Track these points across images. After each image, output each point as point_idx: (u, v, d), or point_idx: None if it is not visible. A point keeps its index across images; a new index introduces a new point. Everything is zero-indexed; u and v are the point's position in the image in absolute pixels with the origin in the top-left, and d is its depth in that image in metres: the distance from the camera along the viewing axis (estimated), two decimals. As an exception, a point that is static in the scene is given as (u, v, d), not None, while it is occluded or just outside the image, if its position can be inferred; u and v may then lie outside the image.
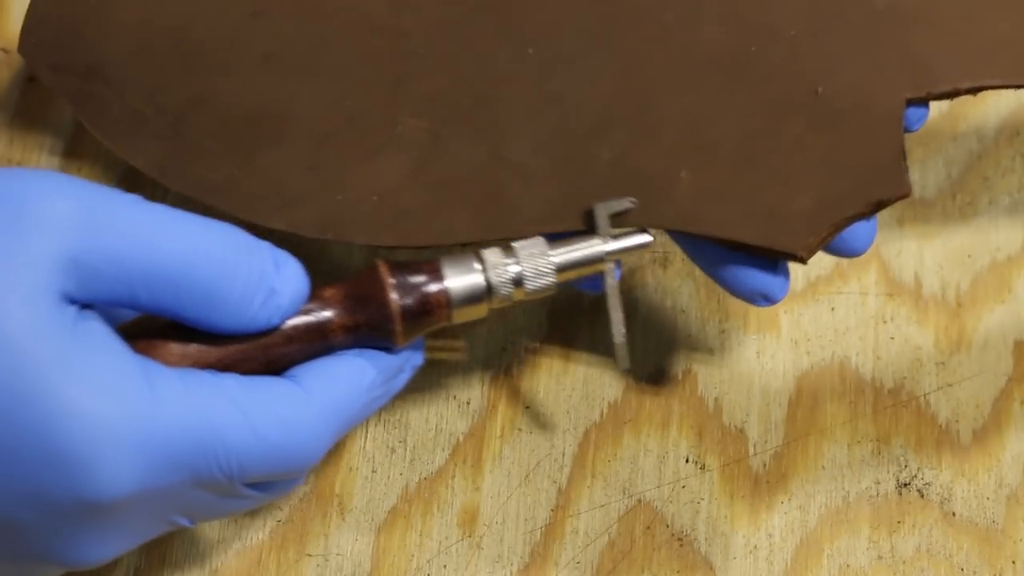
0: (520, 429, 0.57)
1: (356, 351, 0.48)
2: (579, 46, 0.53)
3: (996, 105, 0.63)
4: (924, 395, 0.58)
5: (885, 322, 0.59)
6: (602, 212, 0.51)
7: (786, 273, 0.52)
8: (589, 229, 0.51)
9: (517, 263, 0.49)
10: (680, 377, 0.58)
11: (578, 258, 0.50)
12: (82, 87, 0.54)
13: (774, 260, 0.52)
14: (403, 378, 0.49)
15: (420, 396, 0.58)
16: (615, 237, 0.51)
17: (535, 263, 0.50)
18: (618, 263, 0.51)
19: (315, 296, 0.48)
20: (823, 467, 0.56)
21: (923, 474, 0.56)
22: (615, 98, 0.53)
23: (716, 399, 0.58)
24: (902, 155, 0.52)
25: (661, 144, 0.52)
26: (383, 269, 0.48)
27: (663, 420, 0.57)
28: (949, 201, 0.61)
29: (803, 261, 0.52)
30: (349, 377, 0.48)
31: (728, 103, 0.53)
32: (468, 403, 0.58)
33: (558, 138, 0.53)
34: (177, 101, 0.53)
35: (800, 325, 0.59)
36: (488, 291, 0.49)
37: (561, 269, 0.50)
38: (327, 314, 0.48)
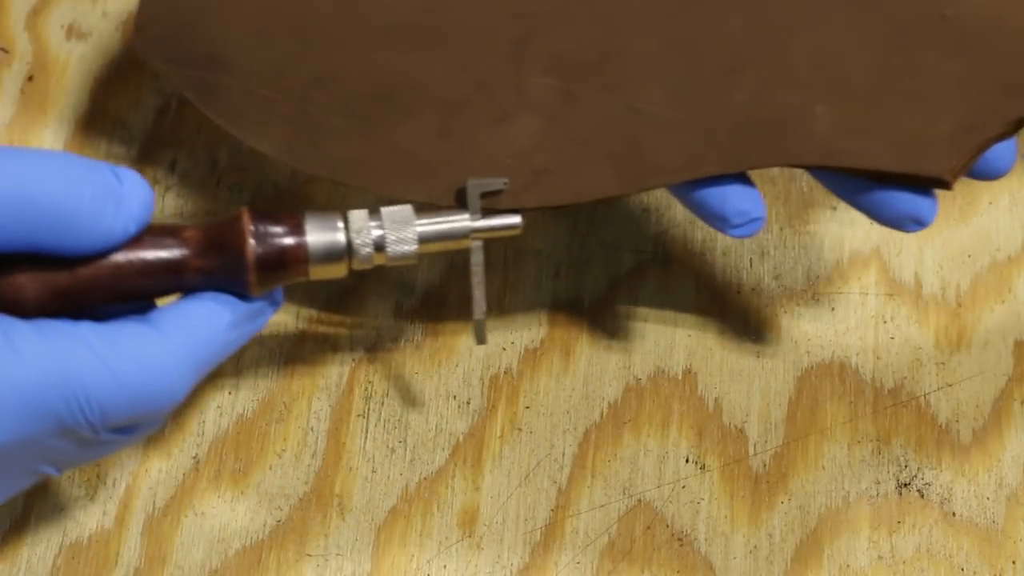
0: (520, 429, 0.57)
1: (212, 295, 0.48)
2: None
3: (996, 105, 0.63)
4: (924, 395, 0.58)
5: (885, 322, 0.59)
6: (474, 190, 0.51)
7: (933, 195, 0.52)
8: (460, 204, 0.51)
9: (381, 228, 0.50)
10: (680, 377, 0.58)
11: (443, 231, 0.51)
12: (202, 77, 0.54)
13: (919, 186, 0.52)
14: (260, 322, 0.50)
15: (420, 396, 0.58)
16: (484, 215, 0.51)
17: (399, 230, 0.50)
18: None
19: (176, 234, 0.48)
20: (823, 467, 0.56)
21: (923, 474, 0.56)
22: (744, 39, 0.53)
23: (716, 399, 0.58)
24: None
25: (794, 81, 0.52)
26: (245, 217, 0.48)
27: (663, 420, 0.57)
28: (949, 201, 0.61)
29: (948, 186, 0.51)
30: (204, 320, 0.48)
31: (857, 35, 0.53)
32: (468, 403, 0.58)
33: (690, 85, 0.53)
34: (301, 82, 0.53)
35: (800, 325, 0.59)
36: (348, 251, 0.49)
37: (424, 239, 0.50)
38: (184, 252, 0.48)
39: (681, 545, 0.55)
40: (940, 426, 0.57)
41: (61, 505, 0.56)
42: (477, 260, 0.52)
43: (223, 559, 0.55)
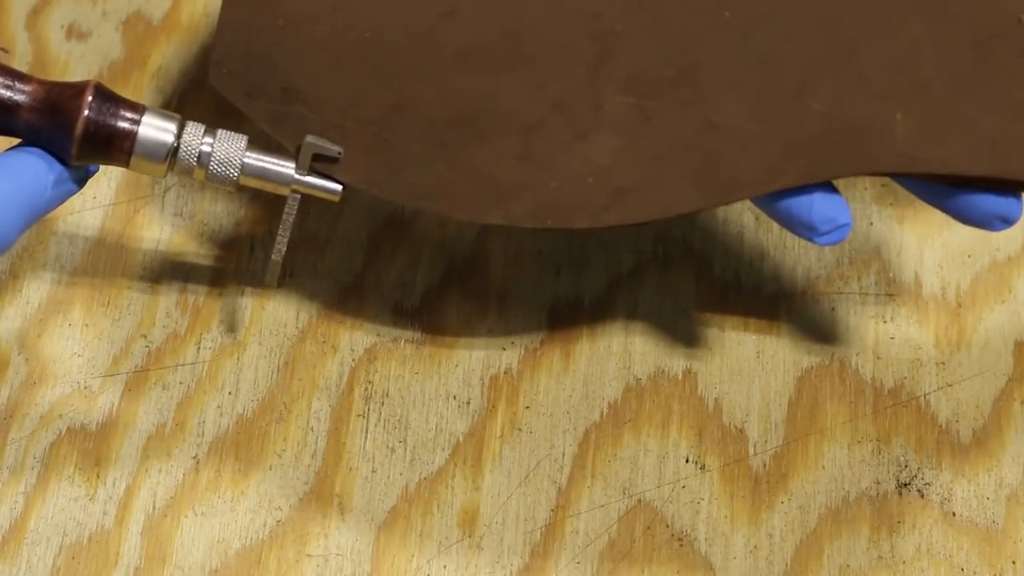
0: (520, 429, 0.57)
1: (39, 152, 0.52)
2: (775, 3, 0.54)
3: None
4: (924, 395, 0.58)
5: (885, 322, 0.59)
6: (308, 148, 0.53)
7: (1017, 194, 0.52)
8: (295, 155, 0.53)
9: (211, 145, 0.53)
10: (680, 377, 0.58)
11: (266, 170, 0.53)
12: (279, 109, 0.54)
13: (1002, 189, 0.52)
14: (74, 189, 0.53)
15: (420, 396, 0.58)
16: (310, 173, 0.53)
17: (227, 153, 0.53)
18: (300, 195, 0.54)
19: (21, 79, 0.51)
20: (823, 467, 0.56)
21: (923, 474, 0.56)
22: (819, 50, 0.53)
23: (716, 399, 0.58)
24: None
25: (872, 89, 0.53)
26: (90, 89, 0.51)
27: (663, 420, 0.57)
28: (949, 201, 0.61)
29: None
30: (32, 175, 0.51)
31: (931, 41, 0.53)
32: (468, 403, 0.58)
33: (767, 98, 0.53)
34: (377, 111, 0.54)
35: (800, 325, 0.59)
36: (172, 155, 0.52)
37: (247, 172, 0.53)
38: (21, 98, 0.51)
39: (681, 545, 0.55)
40: (940, 426, 0.57)
41: (61, 505, 0.56)
42: (290, 210, 0.54)
43: (223, 559, 0.55)
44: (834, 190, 0.53)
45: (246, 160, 0.53)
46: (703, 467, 0.56)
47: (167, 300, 0.60)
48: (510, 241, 0.60)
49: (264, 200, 0.61)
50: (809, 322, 0.59)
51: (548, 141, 0.53)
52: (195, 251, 0.61)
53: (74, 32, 0.65)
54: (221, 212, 0.61)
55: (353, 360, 0.58)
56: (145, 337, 0.59)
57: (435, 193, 0.53)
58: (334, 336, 0.59)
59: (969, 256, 0.60)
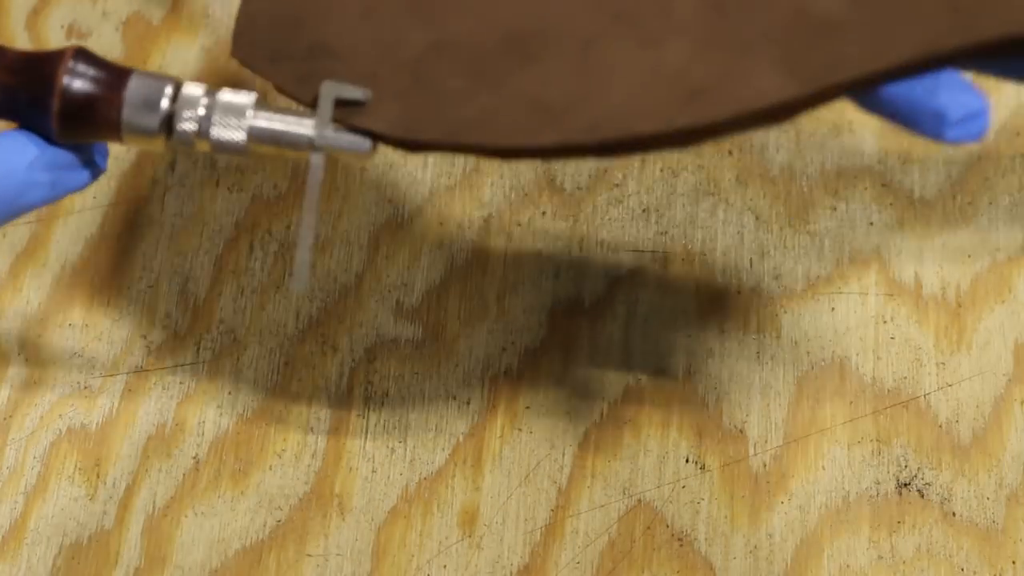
0: (520, 429, 0.57)
1: (20, 130, 0.46)
2: None
3: (996, 105, 0.63)
4: (924, 395, 0.58)
5: (885, 322, 0.59)
6: (328, 93, 0.47)
7: None
8: (312, 107, 0.47)
9: (210, 108, 0.46)
10: (680, 377, 0.58)
11: (278, 132, 0.46)
12: (306, 69, 0.50)
13: None
14: (76, 177, 0.47)
15: (420, 396, 0.58)
16: (334, 129, 0.47)
17: (231, 113, 0.46)
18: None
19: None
20: (823, 467, 0.56)
21: (923, 474, 0.56)
22: None
23: (716, 399, 0.58)
24: None
25: None
26: (69, 53, 0.46)
27: (663, 420, 0.57)
28: (949, 201, 0.61)
29: None
30: (7, 149, 0.46)
31: None
32: (468, 403, 0.58)
33: None
34: (414, 51, 0.49)
35: (800, 325, 0.59)
36: (168, 124, 0.46)
37: (257, 135, 0.46)
38: None
39: (681, 545, 0.55)
40: (940, 426, 0.57)
41: (61, 505, 0.56)
42: (314, 180, 0.46)
43: (223, 559, 0.55)
44: (959, 74, 0.44)
45: (255, 123, 0.46)
46: (703, 467, 0.56)
47: (167, 300, 0.60)
48: (510, 241, 0.61)
49: (265, 199, 0.61)
50: (809, 322, 0.59)
51: (609, 54, 0.47)
52: (195, 251, 0.61)
53: (74, 32, 0.65)
54: (221, 212, 0.61)
55: (353, 360, 0.58)
56: (145, 337, 0.59)
57: (478, 124, 0.48)
58: (334, 336, 0.59)
59: (969, 256, 0.60)
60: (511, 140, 0.47)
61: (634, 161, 0.62)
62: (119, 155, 0.62)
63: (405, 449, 0.57)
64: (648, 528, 0.55)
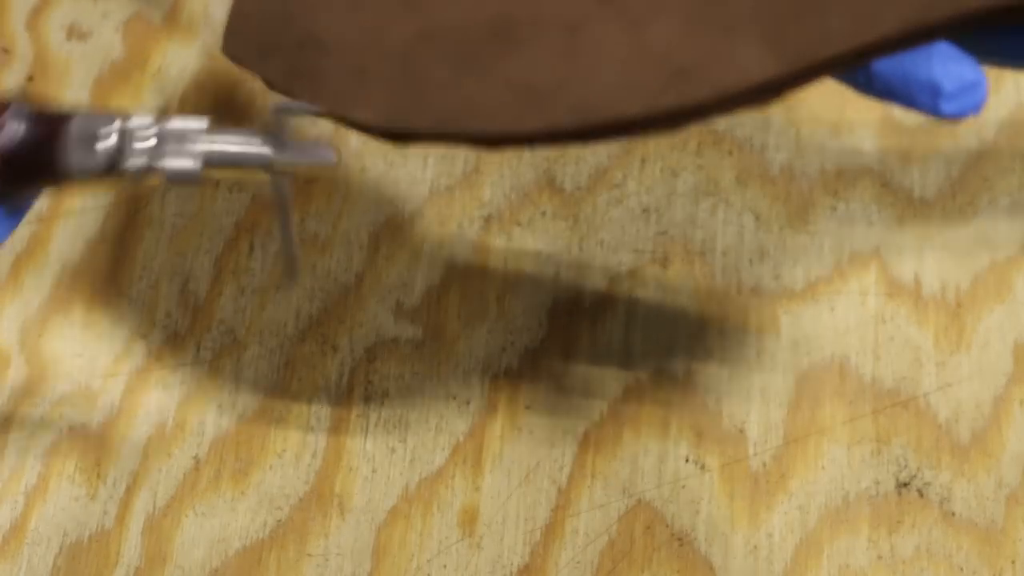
0: (520, 429, 0.57)
1: None
2: None
3: (996, 103, 0.63)
4: (924, 395, 0.58)
5: (885, 322, 0.59)
6: (281, 114, 0.45)
7: None
8: (271, 127, 0.45)
9: (161, 137, 0.43)
10: (680, 377, 0.58)
11: (235, 153, 0.44)
12: (294, 62, 0.50)
13: None
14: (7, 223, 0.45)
15: (420, 396, 0.58)
16: (292, 147, 0.45)
17: (181, 143, 0.43)
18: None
19: None
20: (823, 467, 0.56)
21: (923, 474, 0.56)
22: None
23: (716, 399, 0.58)
24: None
25: None
26: (5, 103, 0.43)
27: (663, 420, 0.57)
28: (949, 201, 0.61)
29: None
30: None
31: None
32: (468, 403, 0.58)
33: None
34: (402, 41, 0.49)
35: (800, 325, 0.59)
36: (115, 162, 0.43)
37: (214, 162, 0.44)
38: None
39: (681, 545, 0.55)
40: (940, 426, 0.57)
41: (61, 505, 0.56)
42: (280, 199, 0.45)
43: (223, 559, 0.55)
44: (955, 47, 0.43)
45: (211, 147, 0.44)
46: (703, 467, 0.56)
47: (167, 300, 0.60)
48: (510, 241, 0.61)
49: (265, 199, 0.61)
50: (809, 322, 0.59)
51: (594, 36, 0.47)
52: (195, 251, 0.61)
53: (74, 32, 0.65)
54: (221, 212, 0.61)
55: (353, 360, 0.58)
56: (145, 337, 0.59)
57: (464, 112, 0.47)
58: (334, 336, 0.59)
59: (969, 256, 0.60)
60: (497, 126, 0.46)
61: (634, 161, 0.62)
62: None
63: (405, 449, 0.57)
64: (648, 528, 0.55)
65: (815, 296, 0.60)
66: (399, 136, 0.48)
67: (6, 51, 0.64)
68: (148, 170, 0.44)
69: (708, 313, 0.59)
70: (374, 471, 0.56)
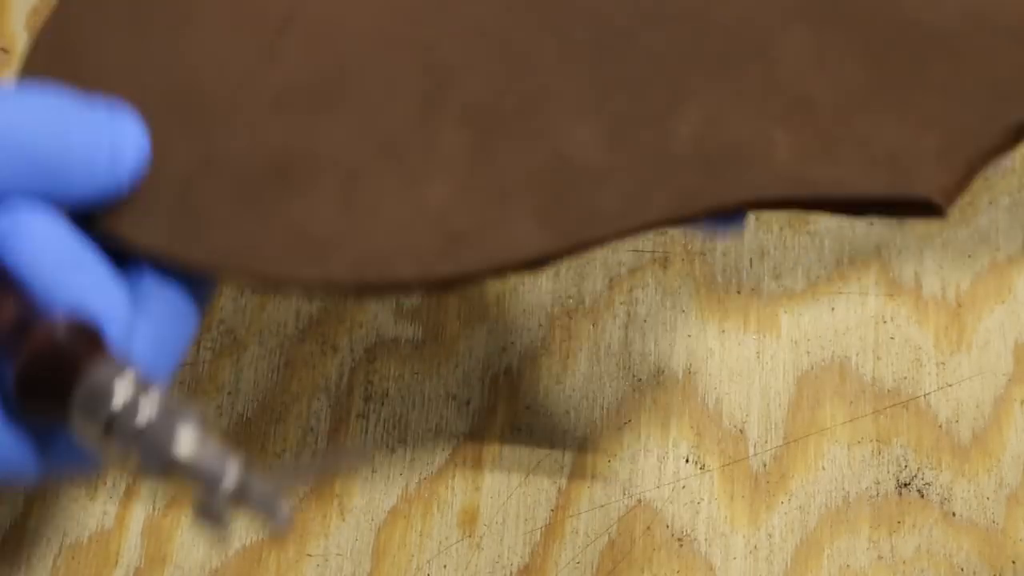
0: (520, 429, 0.57)
1: None
2: (635, 18, 0.48)
3: (996, 105, 0.63)
4: (924, 395, 0.58)
5: (885, 322, 0.59)
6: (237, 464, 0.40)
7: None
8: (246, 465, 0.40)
9: (148, 416, 0.40)
10: (680, 377, 0.58)
11: (197, 467, 0.39)
12: None
13: (909, 215, 0.46)
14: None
15: (420, 396, 0.58)
16: (262, 491, 0.39)
17: (159, 431, 0.39)
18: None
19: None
20: (823, 467, 0.56)
21: (923, 474, 0.56)
22: (685, 67, 0.47)
23: (716, 399, 0.58)
24: None
25: (746, 108, 0.46)
26: (75, 322, 0.40)
27: (663, 420, 0.57)
28: (949, 201, 0.61)
29: (942, 212, 0.45)
30: None
31: (815, 49, 0.47)
32: (468, 403, 0.58)
33: (626, 123, 0.46)
34: (183, 167, 0.47)
35: (800, 325, 0.59)
36: (107, 423, 0.40)
37: (176, 464, 0.39)
38: None
39: (681, 545, 0.55)
40: (940, 426, 0.57)
41: (61, 505, 0.56)
42: (221, 522, 0.39)
43: (223, 559, 0.55)
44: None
45: (181, 451, 0.39)
46: (703, 467, 0.56)
47: (167, 300, 0.60)
48: (510, 241, 0.60)
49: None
50: (809, 322, 0.59)
51: (373, 188, 0.46)
52: (195, 251, 0.61)
53: (74, 32, 0.65)
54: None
55: (353, 360, 0.58)
56: (145, 337, 0.59)
57: (242, 253, 0.46)
58: (334, 336, 0.59)
59: (969, 256, 0.60)
60: (275, 270, 0.45)
61: (634, 161, 0.62)
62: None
63: (405, 449, 0.57)
64: (648, 528, 0.55)
65: (815, 296, 0.60)
66: (176, 265, 0.46)
67: (6, 51, 0.64)
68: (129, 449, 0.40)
69: (708, 313, 0.59)
70: (374, 471, 0.56)
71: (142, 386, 0.40)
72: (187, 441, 0.39)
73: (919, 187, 0.45)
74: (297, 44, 0.49)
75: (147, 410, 0.39)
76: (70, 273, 0.42)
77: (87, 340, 0.40)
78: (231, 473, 0.39)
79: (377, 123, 0.47)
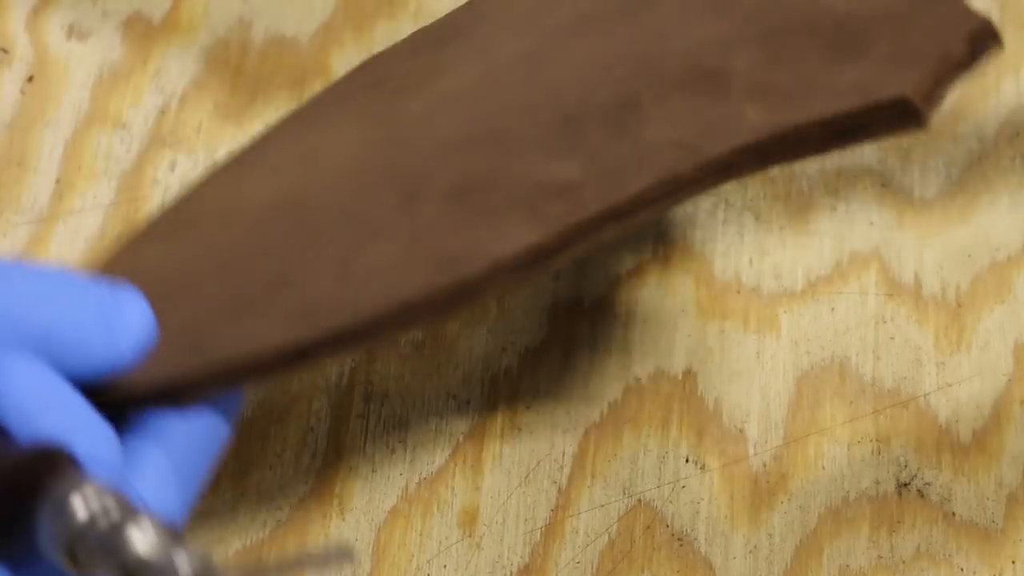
0: (520, 429, 0.57)
1: None
2: (586, 84, 0.50)
3: (996, 105, 0.63)
4: (924, 395, 0.58)
5: (885, 322, 0.59)
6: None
7: None
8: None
9: (106, 518, 0.38)
10: (680, 377, 0.58)
11: (152, 566, 0.38)
12: None
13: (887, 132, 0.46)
14: None
15: (420, 396, 0.58)
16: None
17: (114, 535, 0.38)
18: None
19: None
20: (823, 467, 0.56)
21: (923, 474, 0.56)
22: (646, 94, 0.49)
23: (716, 399, 0.58)
24: None
25: (713, 100, 0.48)
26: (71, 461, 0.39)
27: (663, 420, 0.57)
28: (949, 201, 0.61)
29: (922, 118, 0.45)
30: None
31: (771, 56, 0.48)
32: (468, 403, 0.58)
33: (598, 145, 0.48)
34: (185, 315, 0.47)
35: (800, 325, 0.59)
36: (69, 537, 0.38)
37: (130, 564, 0.38)
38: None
39: (681, 545, 0.55)
40: (940, 426, 0.57)
41: (61, 505, 0.56)
42: None
43: (223, 559, 0.55)
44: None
45: (137, 548, 0.38)
46: (703, 467, 0.56)
47: (167, 300, 0.59)
48: (510, 241, 0.60)
49: (264, 200, 0.61)
50: (809, 322, 0.59)
51: (365, 262, 0.47)
52: (195, 251, 0.61)
53: (74, 32, 0.65)
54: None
55: (353, 360, 0.58)
56: (145, 337, 0.59)
57: (243, 341, 0.46)
58: (334, 336, 0.59)
59: (969, 256, 0.60)
60: (280, 338, 0.45)
61: (634, 161, 0.62)
62: (119, 155, 0.62)
63: (405, 449, 0.57)
64: (648, 528, 0.55)
65: (815, 296, 0.60)
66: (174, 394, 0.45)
67: (5, 51, 0.64)
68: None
69: (708, 313, 0.59)
70: (374, 471, 0.56)
71: (104, 496, 0.39)
72: (139, 541, 0.38)
73: (891, 89, 0.45)
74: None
75: (106, 519, 0.38)
76: (50, 412, 0.42)
77: (51, 462, 0.39)
78: (183, 567, 0.37)
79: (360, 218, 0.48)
